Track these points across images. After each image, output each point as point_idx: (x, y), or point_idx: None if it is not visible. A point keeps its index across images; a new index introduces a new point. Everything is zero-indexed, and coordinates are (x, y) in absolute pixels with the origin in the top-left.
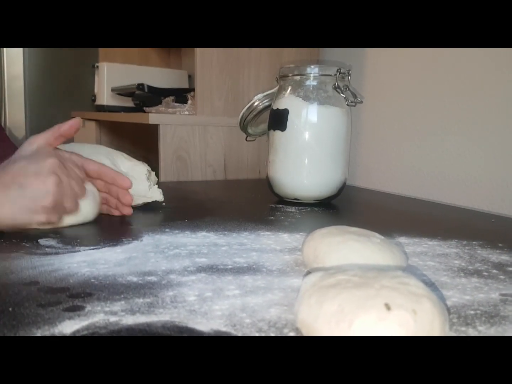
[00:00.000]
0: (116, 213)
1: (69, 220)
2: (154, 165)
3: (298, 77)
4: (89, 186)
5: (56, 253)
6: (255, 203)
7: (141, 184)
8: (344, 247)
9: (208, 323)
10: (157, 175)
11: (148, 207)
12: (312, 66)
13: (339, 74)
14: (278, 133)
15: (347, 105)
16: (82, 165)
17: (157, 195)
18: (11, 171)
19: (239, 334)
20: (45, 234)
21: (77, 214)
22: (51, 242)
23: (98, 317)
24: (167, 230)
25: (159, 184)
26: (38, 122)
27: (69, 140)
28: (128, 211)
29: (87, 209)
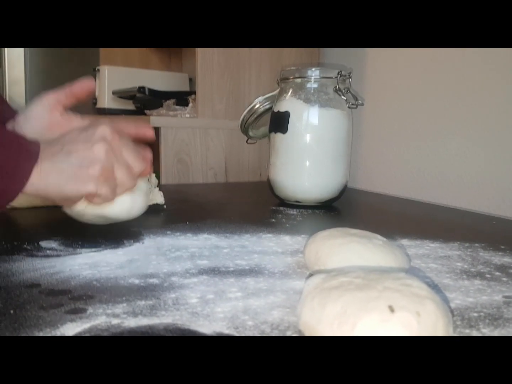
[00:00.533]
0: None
1: (113, 212)
2: (155, 167)
3: (299, 80)
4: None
5: (58, 255)
6: (256, 205)
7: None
8: (346, 249)
9: (211, 325)
10: (158, 178)
11: (149, 210)
12: (313, 69)
13: (340, 76)
14: (279, 135)
15: (348, 107)
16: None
17: (158, 198)
18: (61, 141)
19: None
20: (46, 236)
21: (132, 192)
22: (53, 244)
23: (100, 319)
24: (168, 232)
25: (160, 187)
26: None
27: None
28: (150, 132)
29: (137, 204)
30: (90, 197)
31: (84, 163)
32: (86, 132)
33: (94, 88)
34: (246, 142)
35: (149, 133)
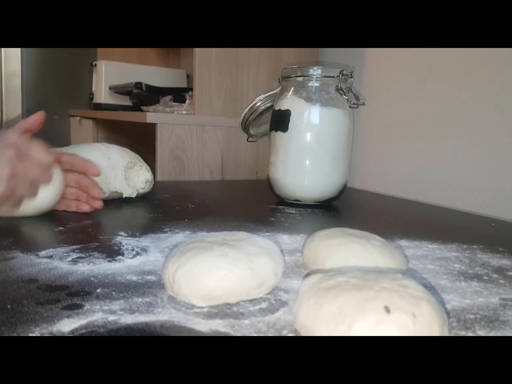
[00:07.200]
0: (85, 208)
1: (24, 210)
2: (151, 164)
3: (300, 78)
4: (55, 170)
5: (55, 250)
6: (255, 204)
7: (116, 176)
8: (344, 249)
9: (207, 323)
10: (154, 174)
11: (147, 206)
12: (315, 68)
13: (341, 75)
14: (279, 134)
15: (349, 107)
16: (55, 157)
17: (126, 190)
18: None
19: (238, 335)
20: (46, 231)
21: (34, 200)
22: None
23: (97, 315)
24: (167, 229)
25: (156, 183)
26: None
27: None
28: (98, 204)
29: (44, 197)
30: None
31: None
32: None
33: (44, 119)
34: (247, 140)
35: (94, 171)
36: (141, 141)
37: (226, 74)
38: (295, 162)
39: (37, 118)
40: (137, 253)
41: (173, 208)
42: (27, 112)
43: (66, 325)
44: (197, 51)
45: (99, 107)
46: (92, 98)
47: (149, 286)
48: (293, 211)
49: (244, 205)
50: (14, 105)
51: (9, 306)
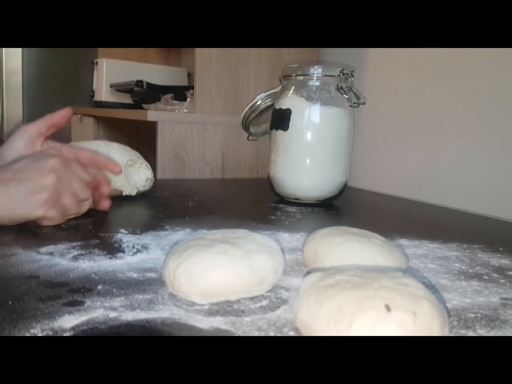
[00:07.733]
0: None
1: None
2: (151, 162)
3: (301, 77)
4: None
5: (56, 247)
6: (255, 202)
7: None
8: (345, 247)
9: (208, 320)
10: (154, 172)
11: (148, 204)
12: (316, 67)
13: (342, 75)
14: (280, 132)
15: (350, 106)
16: (74, 154)
17: (126, 188)
18: (13, 168)
19: (239, 332)
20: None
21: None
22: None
23: (98, 312)
24: (167, 227)
25: (157, 182)
26: (36, 117)
27: (62, 130)
28: (103, 205)
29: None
30: (40, 220)
31: (34, 190)
32: (38, 162)
33: (71, 116)
34: (247, 138)
35: (117, 170)
36: (142, 139)
37: (227, 73)
38: (296, 161)
39: (65, 114)
40: (138, 251)
41: (173, 206)
42: (27, 110)
43: (67, 321)
44: (198, 50)
45: (100, 104)
46: (93, 96)
47: (149, 283)
48: (294, 210)
49: (244, 203)
50: (14, 103)
51: (10, 302)
